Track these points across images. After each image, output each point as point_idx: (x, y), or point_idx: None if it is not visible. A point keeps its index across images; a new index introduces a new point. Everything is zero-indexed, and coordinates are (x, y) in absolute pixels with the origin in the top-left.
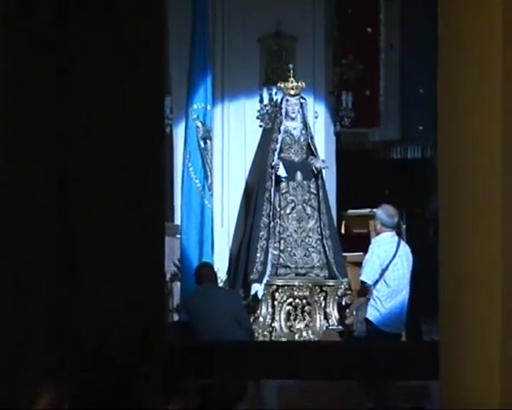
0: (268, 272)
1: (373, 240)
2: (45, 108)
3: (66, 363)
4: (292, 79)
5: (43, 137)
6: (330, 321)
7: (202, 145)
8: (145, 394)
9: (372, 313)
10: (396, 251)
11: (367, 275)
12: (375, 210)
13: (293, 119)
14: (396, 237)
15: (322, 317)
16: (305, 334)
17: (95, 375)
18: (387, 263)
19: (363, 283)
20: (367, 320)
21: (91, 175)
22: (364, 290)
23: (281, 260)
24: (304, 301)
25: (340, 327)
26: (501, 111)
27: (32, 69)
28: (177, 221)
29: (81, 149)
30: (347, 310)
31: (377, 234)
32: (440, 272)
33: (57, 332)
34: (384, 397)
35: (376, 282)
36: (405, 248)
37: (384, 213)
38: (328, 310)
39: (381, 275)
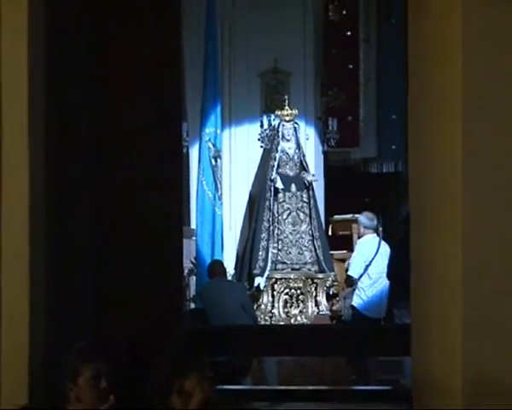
0: (268, 268)
1: (358, 241)
2: (82, 128)
3: (101, 346)
4: (287, 107)
5: (79, 151)
6: (320, 308)
7: (213, 163)
8: (166, 368)
9: (357, 301)
10: (377, 249)
11: (353, 270)
12: (357, 215)
13: (288, 140)
14: (377, 238)
15: (313, 304)
16: (299, 318)
17: (125, 353)
18: (370, 260)
19: (349, 277)
20: (353, 307)
21: (121, 186)
22: (351, 282)
23: (279, 257)
24: (298, 291)
25: (328, 313)
26: (461, 135)
27: (68, 98)
28: (193, 226)
29: (112, 166)
30: (337, 298)
31: (361, 236)
32: (411, 267)
33: (93, 319)
34: (365, 370)
35: (361, 275)
36: (385, 247)
37: (365, 218)
38: (318, 298)
39: (365, 270)
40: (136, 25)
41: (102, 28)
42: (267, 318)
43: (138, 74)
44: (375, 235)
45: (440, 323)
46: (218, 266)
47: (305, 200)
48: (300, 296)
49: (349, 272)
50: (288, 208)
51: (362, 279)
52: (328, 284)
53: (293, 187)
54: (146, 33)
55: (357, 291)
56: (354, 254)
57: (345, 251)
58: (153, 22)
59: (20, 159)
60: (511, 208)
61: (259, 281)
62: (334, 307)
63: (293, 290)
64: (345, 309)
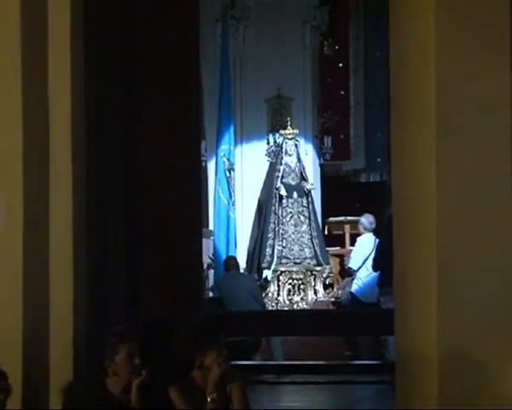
0: (274, 262)
1: (358, 239)
2: (118, 146)
3: (134, 329)
4: (289, 127)
5: (116, 166)
6: (318, 295)
7: (228, 174)
8: (189, 347)
9: (355, 289)
10: (373, 246)
11: (353, 263)
12: (349, 218)
13: (290, 155)
14: (373, 237)
15: (312, 292)
16: (300, 304)
17: (154, 335)
18: (368, 255)
19: (350, 268)
20: (351, 293)
21: (151, 195)
22: (350, 273)
23: (283, 253)
24: (299, 281)
25: (325, 299)
26: (435, 153)
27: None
28: (211, 227)
29: (143, 178)
30: (334, 287)
31: (360, 235)
32: (394, 259)
33: (127, 307)
34: (358, 348)
35: (359, 268)
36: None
37: (366, 220)
38: (316, 287)
39: (363, 263)
40: (164, 68)
41: (135, 81)
42: (273, 304)
43: (166, 103)
44: (371, 234)
45: (419, 305)
46: (232, 261)
47: (304, 205)
48: (301, 286)
49: (350, 265)
50: (291, 212)
51: (360, 271)
52: (324, 276)
53: (295, 194)
54: (173, 72)
55: (355, 281)
56: (354, 249)
57: (338, 248)
58: (177, 61)
59: (65, 176)
60: (478, 208)
61: (267, 273)
62: (335, 294)
63: (295, 281)
64: (344, 295)
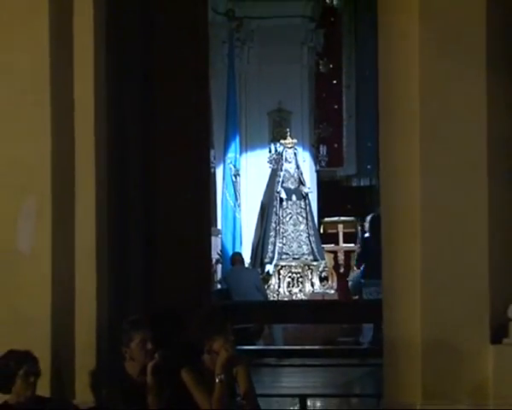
0: (275, 257)
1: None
2: (136, 154)
3: (147, 318)
4: (289, 137)
5: (133, 170)
6: (314, 287)
7: (234, 179)
8: (199, 333)
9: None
10: None
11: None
12: (342, 218)
13: (289, 162)
14: None
15: (309, 285)
16: (299, 295)
17: (167, 323)
18: None
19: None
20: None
21: (165, 197)
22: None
23: (283, 249)
24: (298, 275)
25: (321, 291)
26: (418, 160)
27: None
28: (219, 226)
29: (160, 183)
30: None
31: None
32: (382, 258)
33: (144, 294)
34: (349, 333)
35: None
36: None
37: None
38: (313, 280)
39: None
40: (178, 84)
41: (152, 95)
42: (275, 295)
43: (179, 115)
44: None
45: (404, 299)
46: (237, 256)
47: (302, 206)
48: (300, 279)
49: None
50: (290, 213)
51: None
52: (320, 270)
53: (294, 197)
54: (185, 88)
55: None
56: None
57: (333, 245)
58: (189, 79)
59: (89, 177)
60: (457, 208)
61: (269, 267)
62: (325, 287)
63: (294, 274)
64: (352, 285)
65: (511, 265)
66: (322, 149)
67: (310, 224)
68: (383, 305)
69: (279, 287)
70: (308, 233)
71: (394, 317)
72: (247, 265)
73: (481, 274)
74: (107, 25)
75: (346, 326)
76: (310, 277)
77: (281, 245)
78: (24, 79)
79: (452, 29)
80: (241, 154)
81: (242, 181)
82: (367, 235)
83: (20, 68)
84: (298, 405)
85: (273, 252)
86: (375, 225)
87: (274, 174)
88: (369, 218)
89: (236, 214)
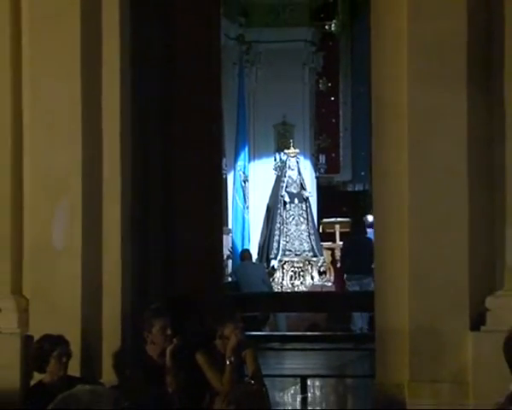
0: (280, 254)
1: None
2: (156, 161)
3: (167, 306)
4: (292, 147)
5: (154, 174)
6: (314, 280)
7: (243, 184)
8: (212, 321)
9: None
10: None
11: None
12: (339, 219)
13: (292, 169)
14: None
15: (310, 278)
16: (300, 287)
17: (184, 312)
18: None
19: None
20: None
21: (183, 199)
22: None
23: (286, 247)
24: (299, 269)
25: (320, 283)
26: (407, 167)
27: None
28: (230, 226)
29: (179, 187)
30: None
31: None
32: (375, 253)
33: (164, 286)
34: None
35: None
36: None
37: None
38: (313, 274)
39: None
40: (193, 100)
41: (171, 110)
42: (279, 287)
43: (195, 128)
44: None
45: (394, 290)
46: (246, 253)
47: (303, 209)
48: (301, 273)
49: None
50: (293, 214)
51: None
52: (319, 264)
53: (296, 200)
54: (200, 104)
55: None
56: None
57: (330, 243)
58: (203, 96)
59: (115, 181)
60: (441, 209)
61: (274, 263)
62: (324, 280)
63: (296, 269)
64: None
65: (489, 261)
66: (321, 158)
67: (310, 224)
68: (375, 296)
69: (283, 280)
70: (308, 232)
71: (385, 307)
72: (254, 260)
73: (462, 269)
74: (132, 49)
75: (341, 315)
76: (310, 271)
77: (284, 243)
78: (60, 101)
79: (436, 56)
80: (249, 162)
81: (250, 186)
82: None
83: (56, 92)
84: (299, 384)
85: (277, 249)
86: (357, 229)
87: (278, 180)
88: (351, 221)
89: (245, 215)
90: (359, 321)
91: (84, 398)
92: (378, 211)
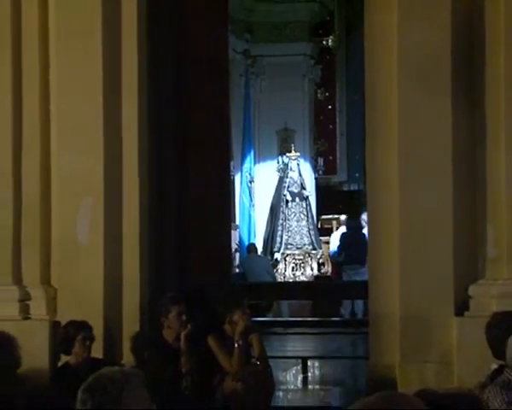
0: (282, 247)
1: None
2: (170, 161)
3: (182, 294)
4: (293, 151)
5: (168, 175)
6: (314, 271)
7: (249, 185)
8: (222, 307)
9: None
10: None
11: None
12: (336, 216)
13: (294, 171)
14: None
15: (309, 269)
16: (301, 278)
17: (197, 299)
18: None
19: None
20: None
21: (195, 198)
22: None
23: (289, 241)
24: (300, 261)
25: (319, 274)
26: (397, 168)
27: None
28: (237, 222)
29: (192, 186)
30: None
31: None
32: (369, 246)
33: (178, 276)
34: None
35: None
36: None
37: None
38: (312, 265)
39: None
40: (204, 109)
41: (183, 119)
42: (281, 277)
43: (206, 134)
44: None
45: (386, 279)
46: (252, 246)
47: (304, 206)
48: (302, 264)
49: None
50: (294, 212)
51: None
52: (318, 257)
53: (297, 199)
54: (210, 112)
55: None
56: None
57: (328, 237)
58: (213, 105)
59: (134, 184)
60: (429, 206)
61: (277, 255)
62: (322, 271)
63: (297, 261)
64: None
65: (471, 253)
66: (320, 161)
67: (310, 220)
68: (369, 284)
69: (285, 271)
70: (308, 228)
71: (378, 294)
72: (259, 253)
73: (447, 260)
74: (148, 66)
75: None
76: (310, 263)
77: (286, 237)
78: (83, 112)
79: (423, 68)
80: (254, 164)
81: (256, 186)
82: (344, 232)
83: (80, 108)
84: (300, 364)
85: (280, 243)
86: (353, 224)
87: (281, 181)
88: (347, 217)
89: (251, 213)
90: (349, 307)
91: (117, 377)
92: (371, 208)
